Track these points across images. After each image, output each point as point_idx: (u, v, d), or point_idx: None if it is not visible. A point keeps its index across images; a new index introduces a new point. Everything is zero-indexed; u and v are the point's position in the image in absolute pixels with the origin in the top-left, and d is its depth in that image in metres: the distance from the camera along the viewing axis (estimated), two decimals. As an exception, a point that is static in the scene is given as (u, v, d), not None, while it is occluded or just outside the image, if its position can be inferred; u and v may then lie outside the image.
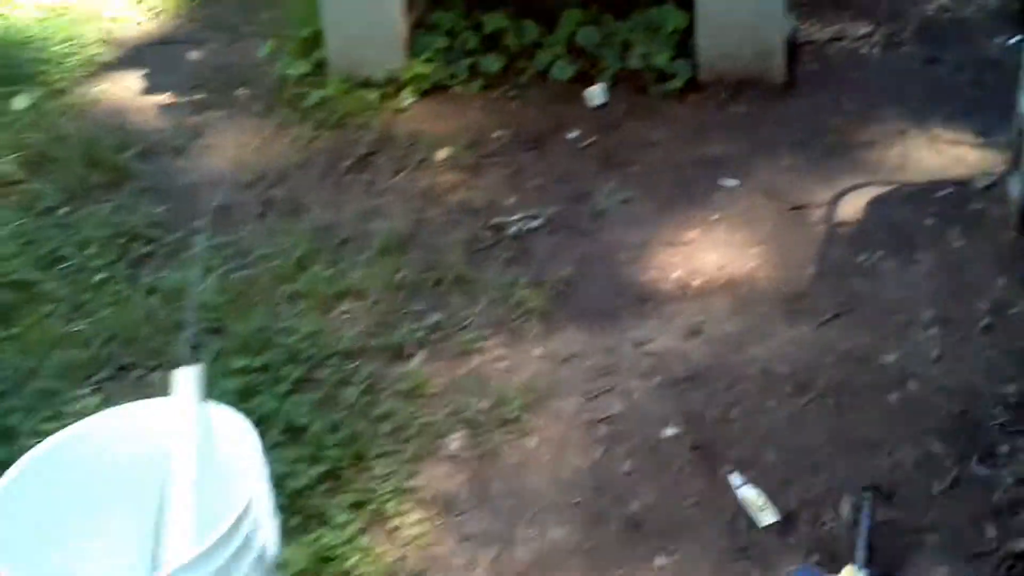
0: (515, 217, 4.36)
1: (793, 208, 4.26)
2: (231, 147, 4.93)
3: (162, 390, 2.72)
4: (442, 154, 4.76)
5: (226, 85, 5.36)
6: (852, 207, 4.24)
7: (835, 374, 3.54)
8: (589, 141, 4.77)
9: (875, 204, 4.25)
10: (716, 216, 4.29)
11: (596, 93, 5.00)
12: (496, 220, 4.34)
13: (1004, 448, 3.24)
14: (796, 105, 4.86)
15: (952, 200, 4.23)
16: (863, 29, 5.40)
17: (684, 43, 4.99)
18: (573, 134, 4.83)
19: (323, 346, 3.77)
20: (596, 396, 3.56)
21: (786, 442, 3.35)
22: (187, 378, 2.62)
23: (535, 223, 4.31)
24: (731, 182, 4.46)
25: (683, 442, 3.38)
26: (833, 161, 4.51)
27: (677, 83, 4.96)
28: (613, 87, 5.01)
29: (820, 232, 4.14)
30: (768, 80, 4.89)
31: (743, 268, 4.02)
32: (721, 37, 4.85)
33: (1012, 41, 5.25)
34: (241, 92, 5.31)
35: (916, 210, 4.20)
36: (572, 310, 3.92)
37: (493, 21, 5.21)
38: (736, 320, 3.80)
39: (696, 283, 3.98)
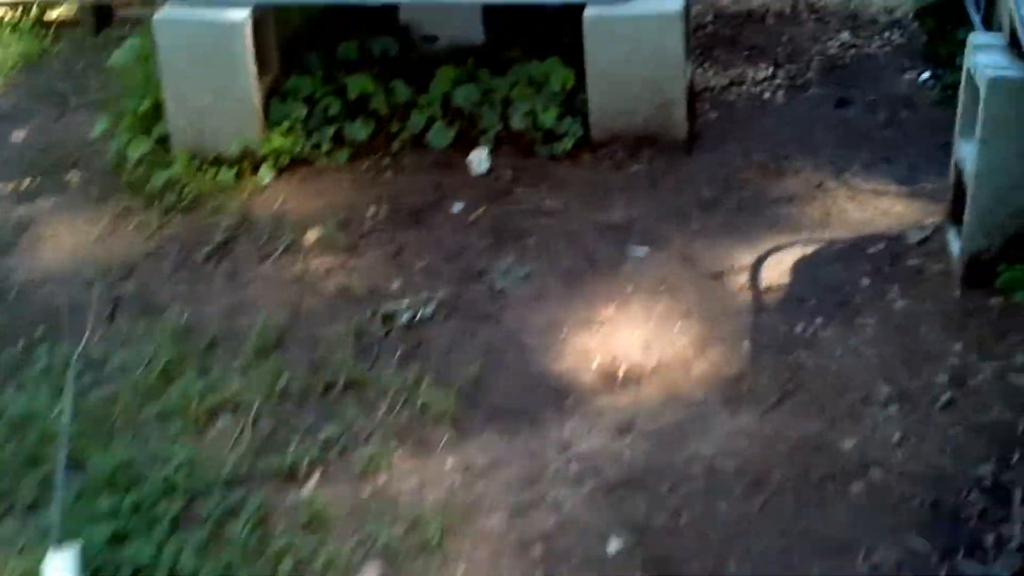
0: (405, 304, 4.13)
1: (713, 276, 4.12)
2: (67, 239, 4.62)
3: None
4: (312, 236, 4.51)
5: (56, 168, 5.05)
6: (777, 270, 4.12)
7: (790, 467, 3.35)
8: (477, 213, 4.57)
9: (802, 265, 4.13)
10: (630, 288, 4.11)
11: (479, 159, 4.82)
12: (384, 308, 4.11)
13: (990, 539, 3.08)
14: (701, 160, 4.75)
15: (886, 257, 4.13)
16: (763, 71, 5.35)
17: (572, 99, 4.85)
18: (458, 206, 4.62)
19: (202, 475, 3.45)
20: (524, 510, 3.32)
21: (748, 549, 3.13)
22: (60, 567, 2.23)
23: (428, 309, 4.10)
24: (641, 250, 4.30)
25: (633, 558, 3.14)
26: (749, 220, 4.39)
27: (567, 143, 4.81)
28: (496, 150, 4.84)
29: (747, 301, 3.99)
30: (669, 135, 4.77)
31: (671, 349, 3.83)
32: (614, 91, 4.73)
33: (922, 77, 5.24)
34: (74, 175, 5.00)
35: (849, 270, 4.09)
36: (484, 411, 3.68)
37: (358, 83, 4.98)
38: (671, 411, 3.60)
39: (621, 369, 3.77)
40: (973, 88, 3.84)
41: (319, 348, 3.94)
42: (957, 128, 4.00)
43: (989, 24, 4.84)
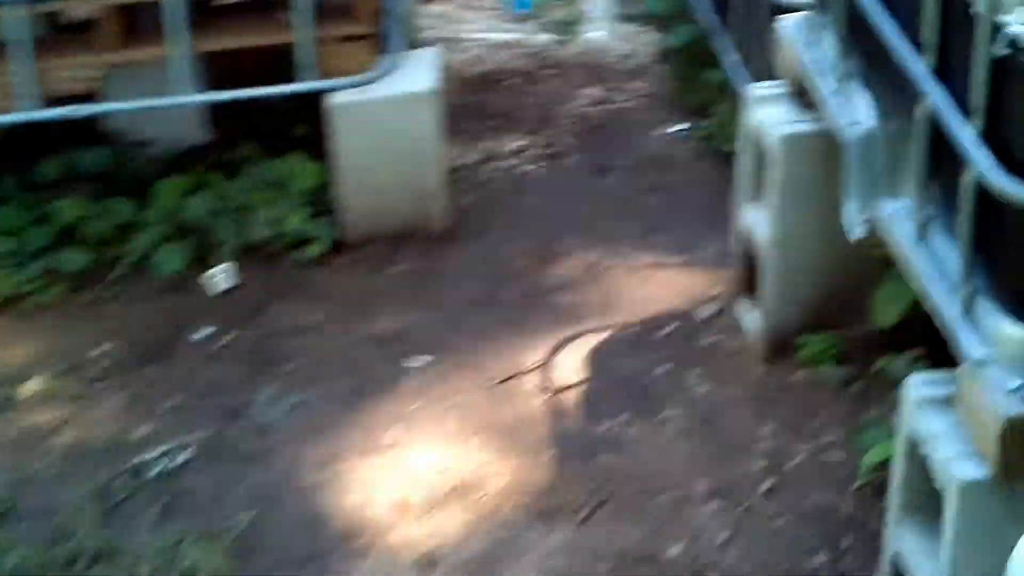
0: (155, 453, 4.06)
1: (504, 380, 4.18)
2: None
3: None
4: (31, 387, 4.38)
5: None
6: (570, 366, 4.20)
7: (618, 583, 3.41)
8: (226, 339, 4.50)
9: (595, 357, 4.22)
10: (415, 405, 4.13)
11: (220, 277, 4.77)
12: (131, 461, 4.05)
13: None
14: (467, 253, 4.80)
15: (679, 338, 4.27)
16: (516, 142, 5.46)
17: (319, 199, 4.84)
18: (203, 333, 4.55)
19: None
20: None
21: None
22: None
23: (184, 456, 4.01)
24: (419, 360, 4.32)
25: None
26: (531, 314, 4.46)
27: (319, 248, 4.78)
28: (240, 265, 4.78)
29: (543, 404, 4.06)
30: (430, 229, 4.82)
31: (469, 467, 3.86)
32: (367, 186, 4.74)
33: (677, 130, 5.49)
34: None
35: (643, 357, 4.20)
36: (261, 566, 3.60)
37: (67, 208, 4.85)
38: (478, 537, 3.61)
39: (416, 498, 3.80)
40: (757, 147, 3.93)
41: (55, 517, 3.79)
42: (740, 191, 4.11)
43: (743, 65, 5.13)
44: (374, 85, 4.70)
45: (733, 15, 5.27)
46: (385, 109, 4.68)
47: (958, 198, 2.81)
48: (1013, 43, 2.56)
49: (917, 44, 3.05)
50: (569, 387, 4.14)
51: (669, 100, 5.69)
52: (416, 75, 4.77)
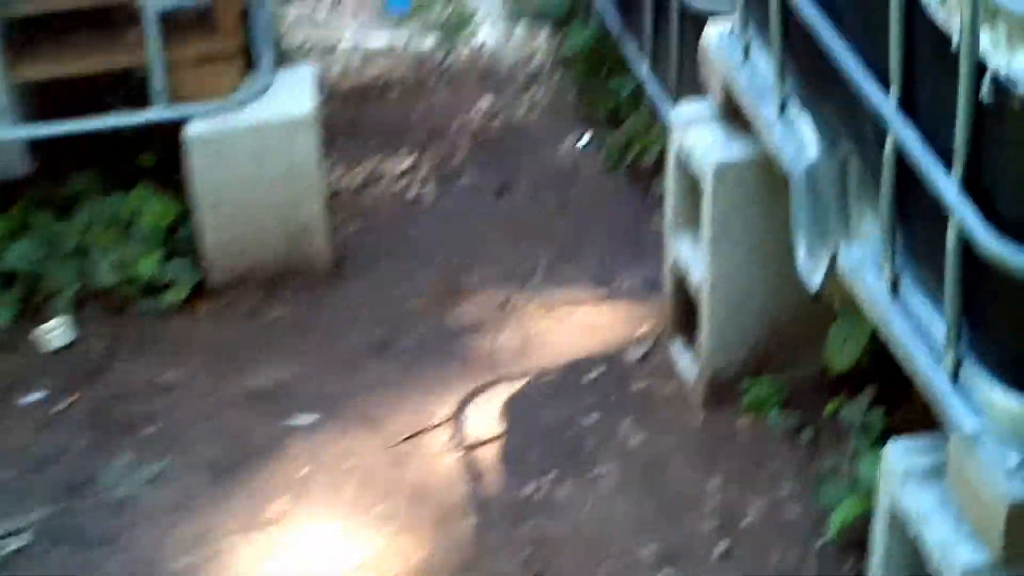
0: (-13, 537, 3.95)
1: (406, 438, 4.11)
2: None
3: None
4: None
5: None
6: (485, 419, 4.14)
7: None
8: (66, 401, 4.36)
9: (513, 408, 4.17)
10: (304, 471, 4.01)
11: (54, 331, 4.62)
12: (-44, 551, 3.91)
13: None
14: (357, 292, 4.74)
15: (607, 384, 4.23)
16: (403, 161, 5.41)
17: (175, 239, 4.74)
18: (35, 396, 4.40)
19: None
20: None
21: None
22: None
23: (20, 541, 3.91)
24: (305, 418, 4.23)
25: None
26: (435, 361, 4.39)
27: (175, 295, 4.68)
28: (79, 316, 4.67)
29: (456, 463, 3.99)
30: (311, 266, 4.76)
31: (375, 543, 3.75)
32: (234, 222, 4.66)
33: (582, 143, 5.46)
34: None
35: (569, 406, 4.15)
36: None
37: None
38: None
39: (310, 582, 3.73)
40: (686, 174, 3.94)
41: None
42: (669, 221, 4.11)
43: (654, 71, 5.12)
44: (241, 112, 4.62)
45: (638, 17, 5.23)
46: (254, 137, 4.61)
47: (930, 248, 2.77)
48: (998, 86, 2.53)
49: (872, 64, 2.97)
50: (485, 443, 4.08)
51: (572, 110, 5.67)
52: (289, 97, 4.70)
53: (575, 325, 4.55)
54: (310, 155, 4.66)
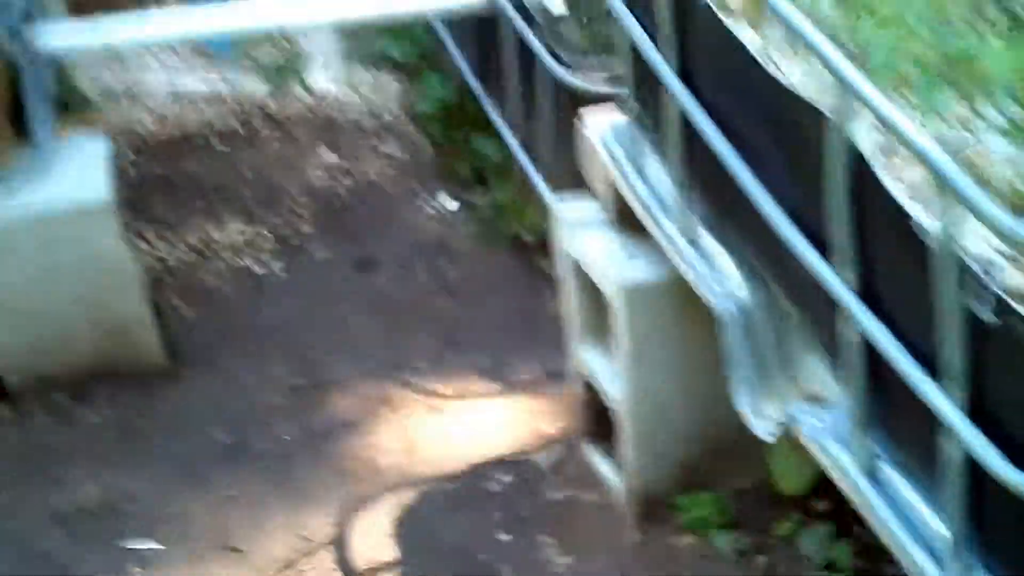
0: None
1: (282, 567, 4.00)
2: None
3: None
4: None
5: None
6: (376, 538, 4.09)
7: None
8: None
9: (407, 526, 4.10)
10: None
11: None
12: None
13: None
14: (199, 389, 4.69)
15: (516, 495, 4.18)
16: (237, 229, 5.31)
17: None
18: None
19: None
20: None
21: None
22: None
23: None
24: (144, 545, 4.14)
25: None
26: (306, 469, 4.36)
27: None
28: None
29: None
30: (138, 362, 4.74)
31: None
32: (32, 322, 4.69)
33: (449, 208, 5.39)
34: None
35: (475, 521, 4.10)
36: None
37: None
38: None
39: None
40: (587, 285, 4.06)
41: None
42: (576, 330, 4.20)
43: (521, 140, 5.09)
44: (16, 199, 4.64)
45: (499, 78, 5.22)
46: (39, 229, 4.68)
47: (912, 434, 2.86)
48: (1001, 304, 2.45)
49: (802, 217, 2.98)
50: (380, 568, 3.99)
51: (431, 169, 5.63)
52: (78, 177, 4.71)
53: (469, 425, 4.49)
54: (113, 244, 4.69)
